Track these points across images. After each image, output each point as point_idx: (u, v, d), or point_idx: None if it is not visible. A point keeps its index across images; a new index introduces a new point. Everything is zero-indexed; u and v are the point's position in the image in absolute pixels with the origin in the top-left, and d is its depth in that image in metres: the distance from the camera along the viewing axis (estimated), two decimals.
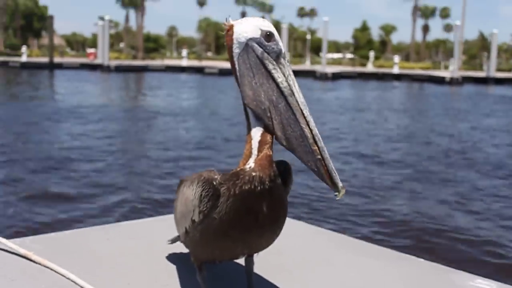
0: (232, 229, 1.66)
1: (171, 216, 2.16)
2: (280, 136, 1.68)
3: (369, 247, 2.72)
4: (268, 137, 1.68)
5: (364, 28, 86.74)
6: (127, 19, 66.15)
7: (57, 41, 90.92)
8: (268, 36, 1.70)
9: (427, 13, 64.98)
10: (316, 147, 1.65)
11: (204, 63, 57.90)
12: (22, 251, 2.28)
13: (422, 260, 2.46)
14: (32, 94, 26.45)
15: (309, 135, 1.65)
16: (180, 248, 2.20)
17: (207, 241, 1.73)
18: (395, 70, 52.69)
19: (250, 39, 1.71)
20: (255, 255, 1.85)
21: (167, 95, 27.63)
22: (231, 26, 1.72)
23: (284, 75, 1.70)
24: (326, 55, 54.04)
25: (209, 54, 52.58)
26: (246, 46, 1.71)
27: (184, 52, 55.33)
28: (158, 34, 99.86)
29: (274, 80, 1.69)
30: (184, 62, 54.02)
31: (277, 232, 1.75)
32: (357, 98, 30.90)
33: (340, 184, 1.60)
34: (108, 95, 27.31)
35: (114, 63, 49.97)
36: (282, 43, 1.71)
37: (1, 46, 64.32)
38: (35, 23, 70.61)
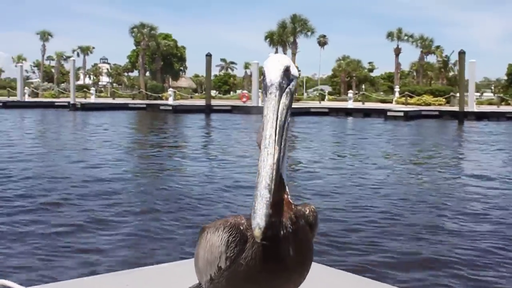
0: (260, 274, 1.63)
1: (189, 261, 2.27)
2: None
3: None
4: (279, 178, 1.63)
5: None
6: None
7: (186, 83, 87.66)
8: (263, 73, 1.70)
9: None
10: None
11: (357, 104, 50.52)
12: None
13: None
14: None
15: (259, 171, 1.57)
16: None
17: None
18: None
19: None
20: None
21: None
22: None
23: (267, 109, 1.64)
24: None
25: (350, 93, 45.50)
26: None
27: (350, 94, 48.03)
28: None
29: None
30: (351, 104, 46.79)
31: (304, 274, 1.72)
32: None
33: (254, 225, 1.49)
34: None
35: None
36: (270, 77, 1.65)
37: (142, 88, 60.40)
38: (174, 64, 66.65)
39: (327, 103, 53.49)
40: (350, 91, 51.30)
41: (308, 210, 1.76)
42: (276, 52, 57.59)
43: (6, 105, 50.13)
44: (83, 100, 53.69)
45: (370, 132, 28.46)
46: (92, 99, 55.87)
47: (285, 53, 61.13)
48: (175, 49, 65.94)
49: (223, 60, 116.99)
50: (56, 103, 52.78)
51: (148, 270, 3.23)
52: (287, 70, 1.67)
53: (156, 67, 63.89)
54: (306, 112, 44.28)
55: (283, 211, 1.62)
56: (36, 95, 64.38)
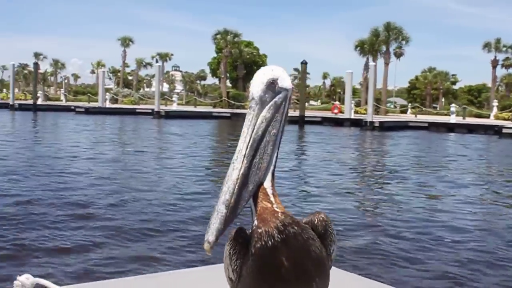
0: (263, 286, 1.59)
1: (219, 266, 2.17)
2: None
3: None
4: (261, 188, 1.62)
5: None
6: (366, 68, 56.18)
7: None
8: None
9: None
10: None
11: (472, 120, 46.36)
12: None
13: None
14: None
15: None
16: None
17: None
18: None
19: None
20: None
21: None
22: None
23: (244, 124, 1.64)
24: None
25: (453, 107, 41.22)
26: None
27: (453, 107, 44.06)
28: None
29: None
30: (453, 119, 42.90)
31: (313, 285, 1.61)
32: None
33: (205, 238, 1.53)
34: None
35: (376, 119, 40.26)
36: (252, 91, 1.64)
37: (224, 96, 58.39)
38: (254, 73, 64.36)
39: (424, 117, 49.60)
40: (453, 104, 47.18)
41: (316, 220, 1.67)
42: (367, 61, 54.34)
43: (89, 111, 49.24)
44: (166, 108, 52.13)
45: (501, 153, 24.88)
46: (174, 106, 54.34)
47: (374, 63, 57.95)
48: (257, 57, 63.69)
49: (296, 69, 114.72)
50: (137, 110, 51.57)
51: (180, 273, 3.12)
52: (272, 83, 1.63)
53: (238, 74, 61.80)
54: (404, 126, 40.96)
55: (268, 221, 1.56)
56: (115, 101, 63.65)
